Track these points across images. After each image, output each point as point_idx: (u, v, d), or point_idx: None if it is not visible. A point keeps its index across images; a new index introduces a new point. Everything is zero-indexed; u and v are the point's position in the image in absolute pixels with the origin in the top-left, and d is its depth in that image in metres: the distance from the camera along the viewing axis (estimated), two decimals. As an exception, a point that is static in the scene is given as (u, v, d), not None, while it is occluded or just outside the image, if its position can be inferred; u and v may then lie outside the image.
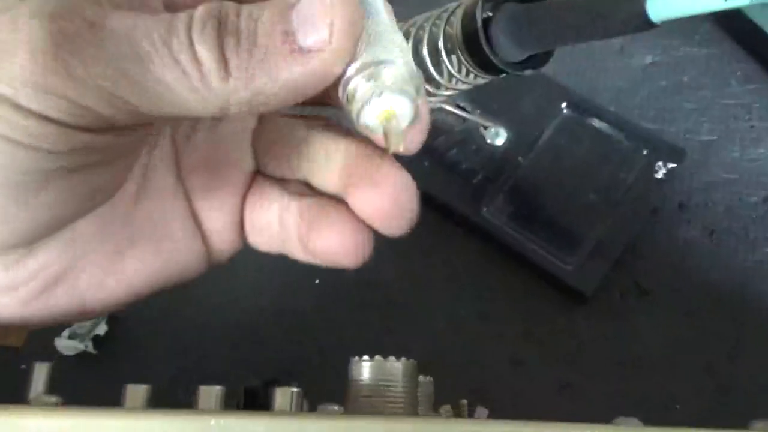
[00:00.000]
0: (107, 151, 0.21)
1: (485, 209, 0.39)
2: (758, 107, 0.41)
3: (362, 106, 0.19)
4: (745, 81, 0.41)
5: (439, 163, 0.41)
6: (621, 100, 0.42)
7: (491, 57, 0.29)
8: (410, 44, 0.35)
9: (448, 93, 0.36)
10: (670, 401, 0.35)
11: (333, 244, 0.24)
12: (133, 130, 0.21)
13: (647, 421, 0.21)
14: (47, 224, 0.22)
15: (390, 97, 0.19)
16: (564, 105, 0.40)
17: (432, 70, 0.34)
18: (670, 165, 0.38)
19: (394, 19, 0.22)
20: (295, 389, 0.19)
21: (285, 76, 0.19)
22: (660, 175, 0.38)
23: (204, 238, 0.27)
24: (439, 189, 0.40)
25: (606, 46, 0.43)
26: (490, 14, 0.30)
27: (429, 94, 0.36)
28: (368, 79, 0.19)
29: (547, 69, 0.42)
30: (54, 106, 0.19)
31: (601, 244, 0.37)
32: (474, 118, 0.41)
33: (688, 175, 0.39)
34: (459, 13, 0.31)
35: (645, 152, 0.39)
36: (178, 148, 0.26)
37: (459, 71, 0.33)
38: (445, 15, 0.32)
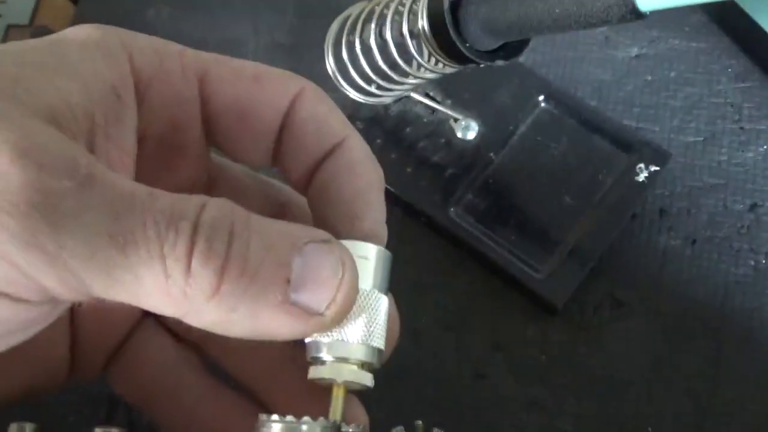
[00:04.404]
0: (35, 319, 0.18)
1: (452, 209, 0.36)
2: (749, 107, 0.38)
3: (322, 377, 0.21)
4: (737, 79, 0.38)
5: (406, 156, 0.38)
6: (603, 94, 0.39)
7: (460, 45, 0.26)
8: (374, 26, 0.32)
9: (415, 82, 0.33)
10: (644, 423, 0.33)
11: None
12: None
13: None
14: None
15: (347, 383, 0.21)
16: (541, 98, 0.37)
17: (396, 56, 0.31)
18: (653, 168, 0.35)
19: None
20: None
21: (266, 321, 0.17)
22: (641, 178, 0.35)
23: (73, 358, 0.26)
24: (405, 185, 0.37)
25: (589, 35, 0.40)
26: (460, -4, 0.27)
27: (394, 82, 0.33)
28: (334, 362, 0.21)
29: (525, 58, 0.39)
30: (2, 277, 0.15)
31: (576, 252, 0.34)
32: (444, 109, 0.37)
33: (671, 179, 0.36)
34: (425, -7, 0.28)
35: (626, 153, 0.36)
36: None
37: (427, 60, 0.30)
38: (411, -5, 0.29)
